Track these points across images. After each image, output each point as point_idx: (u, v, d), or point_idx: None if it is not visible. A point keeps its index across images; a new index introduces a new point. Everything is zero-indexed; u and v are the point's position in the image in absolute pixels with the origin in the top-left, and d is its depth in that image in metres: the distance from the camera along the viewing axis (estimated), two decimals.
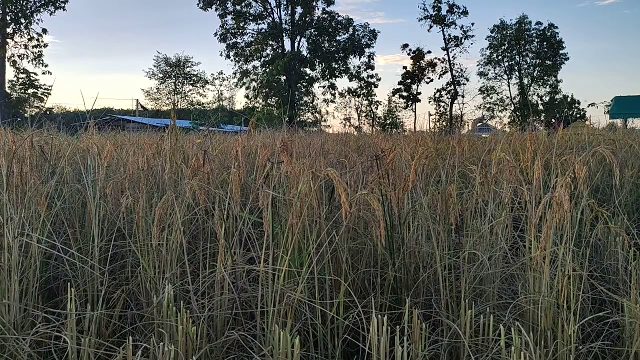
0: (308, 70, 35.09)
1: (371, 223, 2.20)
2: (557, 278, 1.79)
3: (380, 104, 37.74)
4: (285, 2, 33.70)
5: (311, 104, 35.55)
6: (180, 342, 1.67)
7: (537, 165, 2.01)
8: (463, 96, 36.07)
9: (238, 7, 33.90)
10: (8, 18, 29.58)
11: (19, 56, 30.16)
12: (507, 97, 37.03)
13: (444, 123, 34.02)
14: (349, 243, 2.28)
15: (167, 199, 1.98)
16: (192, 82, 36.36)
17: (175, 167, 2.78)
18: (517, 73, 36.79)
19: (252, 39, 34.53)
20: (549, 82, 36.57)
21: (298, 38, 34.37)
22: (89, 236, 2.23)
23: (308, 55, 34.82)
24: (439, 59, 36.36)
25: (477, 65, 37.68)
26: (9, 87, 30.24)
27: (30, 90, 30.49)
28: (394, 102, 37.39)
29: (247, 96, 33.68)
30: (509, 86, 37.14)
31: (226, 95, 35.94)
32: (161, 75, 36.13)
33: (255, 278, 2.10)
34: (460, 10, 34.57)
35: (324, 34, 34.49)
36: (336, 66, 35.24)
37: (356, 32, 35.01)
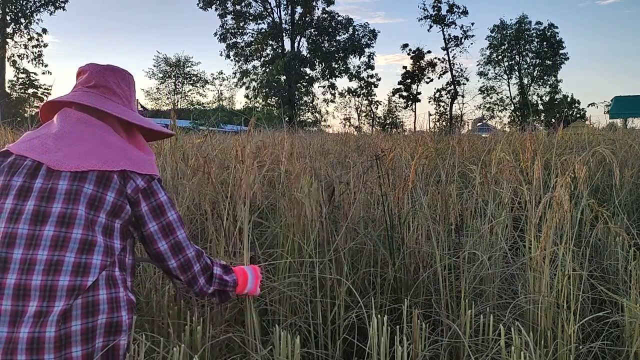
0: (308, 70, 35.07)
1: (371, 223, 2.20)
2: (557, 278, 1.79)
3: (380, 104, 37.74)
4: (285, 2, 33.68)
5: (311, 104, 35.54)
6: (186, 341, 1.67)
7: (537, 165, 2.01)
8: (463, 96, 36.07)
9: (238, 7, 33.88)
10: (8, 18, 29.56)
11: (19, 56, 30.15)
12: (507, 97, 37.01)
13: (444, 123, 33.99)
14: (349, 243, 2.28)
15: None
16: (192, 82, 36.31)
17: (175, 167, 2.78)
18: (517, 73, 36.76)
19: (252, 39, 34.51)
20: (549, 82, 36.55)
21: (298, 38, 34.35)
22: None
23: (308, 55, 34.80)
24: (439, 59, 36.36)
25: (477, 65, 37.65)
26: (9, 87, 30.22)
27: (30, 90, 30.48)
28: (394, 102, 37.38)
29: (247, 96, 33.67)
30: (509, 86, 37.13)
31: (226, 95, 35.88)
32: (161, 75, 36.06)
33: None
34: (460, 10, 34.54)
35: (324, 34, 34.46)
36: (336, 66, 35.20)
37: (356, 32, 34.97)
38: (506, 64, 37.02)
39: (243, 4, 33.82)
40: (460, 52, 41.86)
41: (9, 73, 30.30)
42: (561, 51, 35.88)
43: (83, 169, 1.18)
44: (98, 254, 1.15)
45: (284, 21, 34.16)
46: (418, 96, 36.84)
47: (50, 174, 1.19)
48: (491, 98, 37.21)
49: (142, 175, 1.25)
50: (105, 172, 1.20)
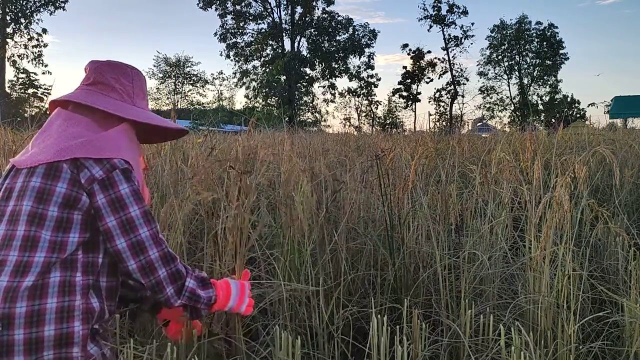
0: (308, 70, 35.09)
1: (371, 223, 2.20)
2: (557, 278, 1.79)
3: (380, 104, 37.75)
4: (285, 2, 33.69)
5: (311, 104, 35.56)
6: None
7: (537, 165, 2.01)
8: (463, 96, 36.07)
9: (238, 7, 33.89)
10: (8, 18, 29.58)
11: (19, 56, 30.18)
12: (507, 97, 37.03)
13: (444, 123, 33.98)
14: (348, 243, 2.28)
15: (170, 202, 1.98)
16: (192, 82, 36.32)
17: (175, 167, 2.78)
18: (517, 73, 36.77)
19: (252, 39, 34.52)
20: (549, 82, 36.57)
21: (298, 38, 34.36)
22: None
23: (308, 55, 34.82)
24: (439, 59, 36.37)
25: (477, 65, 37.66)
26: (9, 87, 30.24)
27: (30, 90, 30.50)
28: (394, 102, 37.39)
29: (247, 96, 33.68)
30: (509, 86, 37.13)
31: (226, 95, 35.91)
32: (161, 75, 36.06)
33: (255, 278, 2.10)
34: (460, 10, 34.55)
35: (324, 34, 34.47)
36: (336, 66, 35.21)
37: (356, 32, 34.98)
38: (506, 64, 37.03)
39: (243, 4, 33.83)
40: (460, 52, 41.85)
41: (9, 73, 30.33)
42: (561, 51, 35.90)
43: (33, 165, 1.16)
44: (42, 250, 1.10)
45: (284, 21, 34.17)
46: (418, 96, 36.84)
47: (15, 174, 1.20)
48: (491, 98, 37.23)
49: (100, 163, 1.16)
50: (53, 163, 1.15)
